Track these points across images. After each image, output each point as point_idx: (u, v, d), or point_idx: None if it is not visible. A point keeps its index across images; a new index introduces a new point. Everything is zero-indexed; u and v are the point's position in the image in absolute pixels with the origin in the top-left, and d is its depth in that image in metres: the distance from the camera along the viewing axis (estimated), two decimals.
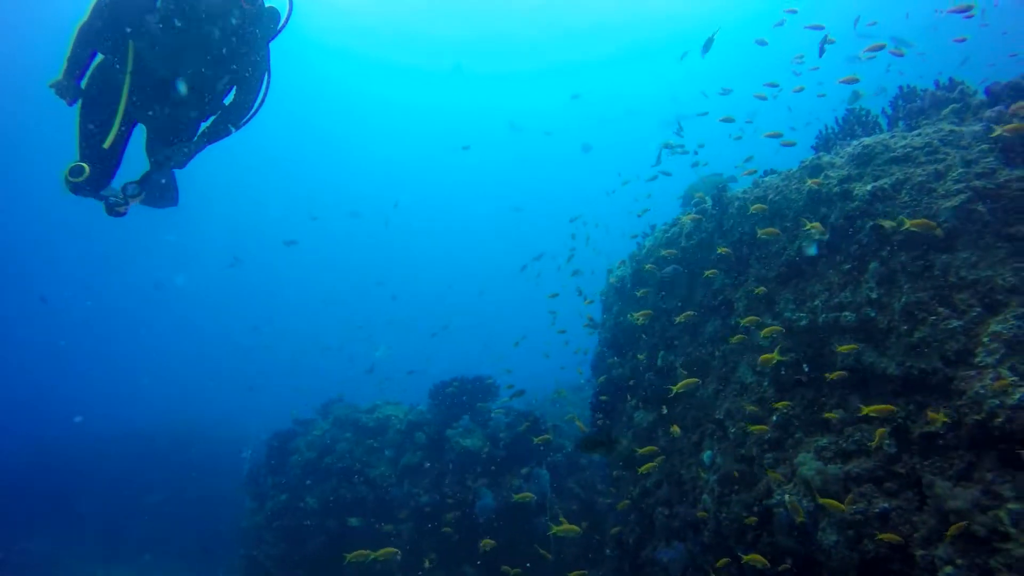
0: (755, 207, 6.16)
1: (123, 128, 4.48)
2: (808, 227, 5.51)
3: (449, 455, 10.73)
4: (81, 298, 44.21)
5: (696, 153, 9.08)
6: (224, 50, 4.41)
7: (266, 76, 4.77)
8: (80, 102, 4.51)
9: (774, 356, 5.28)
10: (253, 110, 4.85)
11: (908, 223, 4.78)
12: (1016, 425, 3.83)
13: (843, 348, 4.94)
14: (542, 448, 10.98)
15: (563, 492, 10.75)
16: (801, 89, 9.42)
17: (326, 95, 44.22)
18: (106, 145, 4.41)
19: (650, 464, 6.33)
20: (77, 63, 4.36)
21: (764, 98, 9.06)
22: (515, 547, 9.72)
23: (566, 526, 6.76)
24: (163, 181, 5.34)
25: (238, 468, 14.33)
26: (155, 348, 44.37)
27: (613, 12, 35.48)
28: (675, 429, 6.43)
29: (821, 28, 8.49)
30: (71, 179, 4.17)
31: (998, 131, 4.88)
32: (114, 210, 4.38)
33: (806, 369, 5.31)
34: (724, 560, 5.24)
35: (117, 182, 4.67)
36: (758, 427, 5.33)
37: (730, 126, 8.50)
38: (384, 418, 12.06)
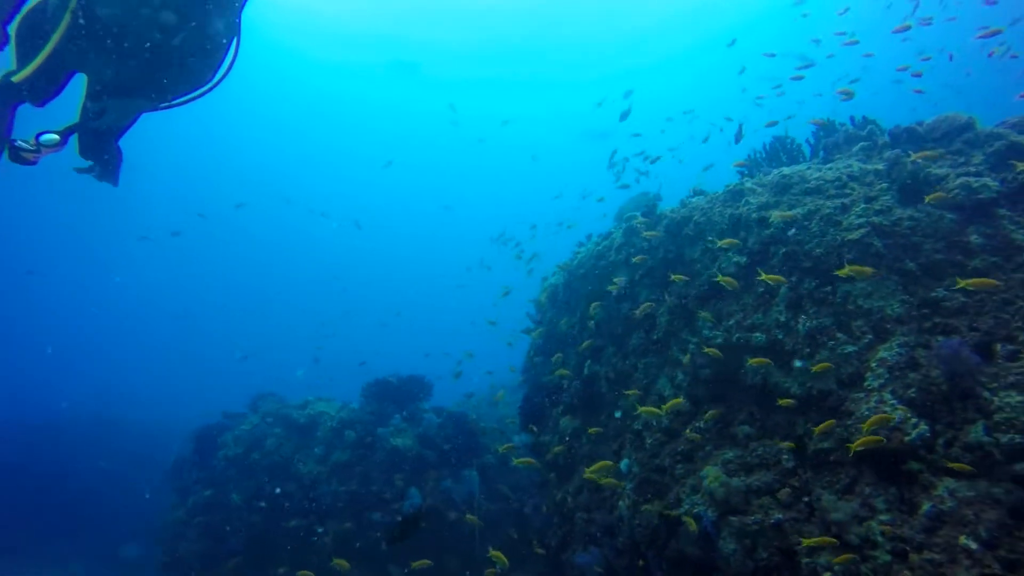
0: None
1: (47, 68, 3.99)
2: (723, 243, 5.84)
3: (379, 454, 10.72)
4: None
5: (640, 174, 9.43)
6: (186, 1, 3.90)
7: (233, 44, 4.23)
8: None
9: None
10: (211, 82, 4.32)
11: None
12: (893, 444, 4.20)
13: (754, 361, 5.25)
14: (474, 449, 11.12)
15: (493, 494, 10.90)
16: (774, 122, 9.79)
17: (279, 91, 42.97)
18: (15, 79, 3.97)
19: (558, 448, 6.51)
20: (4, 5, 3.92)
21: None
22: (442, 547, 9.82)
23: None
24: (105, 156, 4.89)
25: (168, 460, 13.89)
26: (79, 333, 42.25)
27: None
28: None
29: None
30: None
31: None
32: (19, 156, 3.91)
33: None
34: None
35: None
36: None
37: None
38: (316, 414, 11.91)
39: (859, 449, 4.20)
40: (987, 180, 5.07)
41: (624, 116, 8.07)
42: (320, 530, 10.13)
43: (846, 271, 4.82)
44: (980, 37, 7.92)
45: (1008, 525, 3.76)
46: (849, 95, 7.58)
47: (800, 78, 10.55)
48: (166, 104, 4.36)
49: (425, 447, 10.72)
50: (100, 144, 4.58)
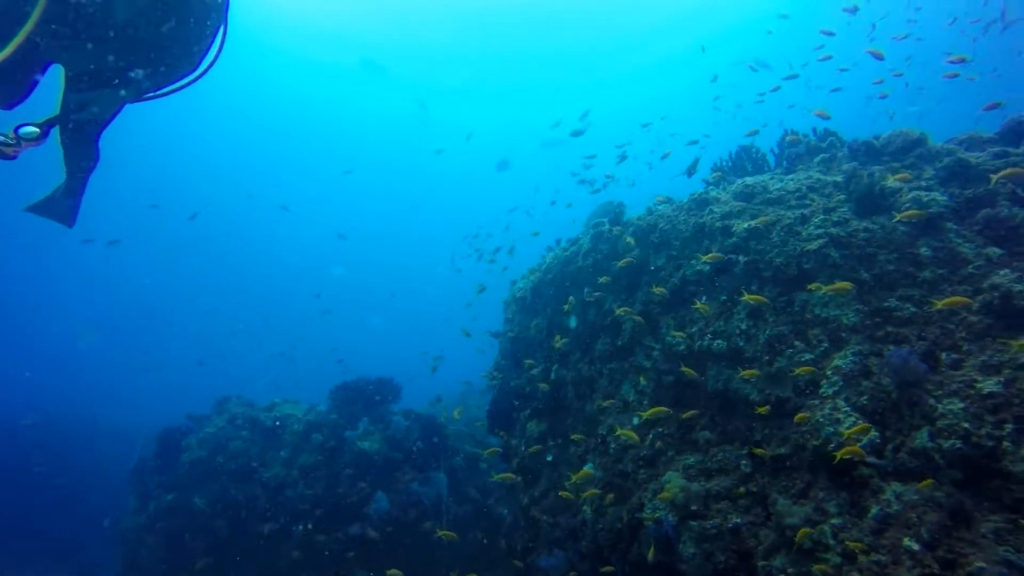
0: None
1: (19, 56, 3.75)
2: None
3: (346, 457, 10.66)
4: None
5: (607, 179, 9.55)
6: None
7: (220, 31, 4.05)
8: None
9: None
10: (198, 70, 4.15)
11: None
12: (846, 450, 4.34)
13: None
14: (442, 451, 11.13)
15: (461, 496, 10.92)
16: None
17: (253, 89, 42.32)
18: None
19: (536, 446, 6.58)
20: None
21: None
22: (409, 549, 9.81)
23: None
24: (84, 162, 4.69)
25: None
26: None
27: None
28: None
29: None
30: None
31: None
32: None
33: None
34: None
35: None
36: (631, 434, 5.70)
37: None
38: (283, 417, 11.79)
39: (814, 456, 4.34)
40: (936, 195, 5.27)
41: (577, 134, 8.19)
42: (288, 534, 10.02)
43: (825, 288, 4.93)
44: (949, 62, 8.12)
45: (948, 527, 3.93)
46: (825, 116, 7.84)
47: (777, 88, 10.85)
48: (152, 94, 4.18)
49: (393, 450, 10.70)
50: (81, 138, 4.38)
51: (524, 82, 42.65)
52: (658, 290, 6.22)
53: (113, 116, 4.27)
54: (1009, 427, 4.08)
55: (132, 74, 4.11)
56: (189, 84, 4.20)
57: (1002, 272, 4.68)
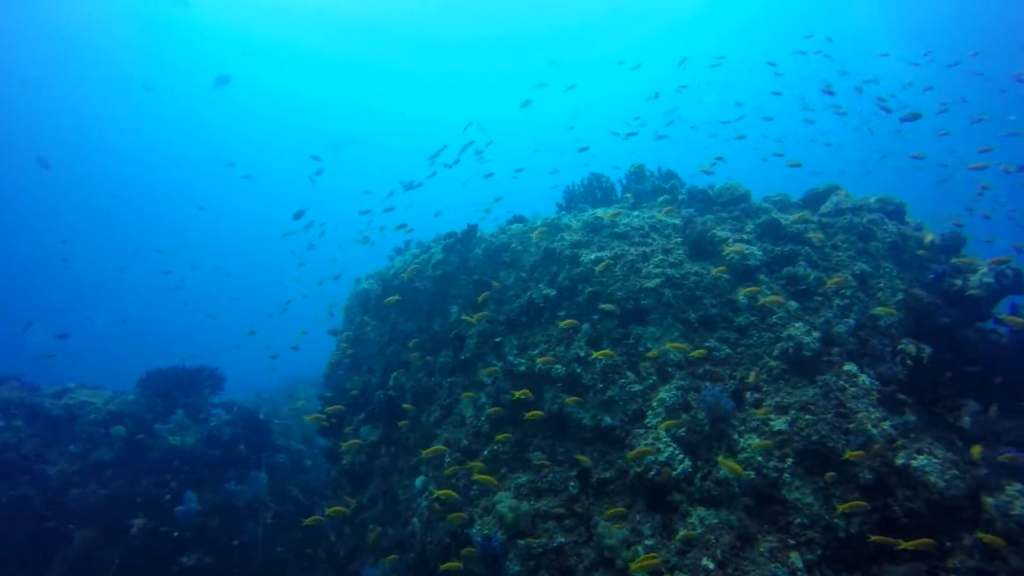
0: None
1: None
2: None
3: (155, 453, 9.57)
4: None
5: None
6: None
7: None
8: None
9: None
10: None
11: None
12: (662, 478, 4.77)
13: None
14: (265, 448, 10.44)
15: (282, 495, 10.32)
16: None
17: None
18: None
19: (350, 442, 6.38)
20: None
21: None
22: (222, 553, 9.06)
23: None
24: None
25: None
26: None
27: None
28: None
29: None
30: None
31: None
32: None
33: None
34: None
35: None
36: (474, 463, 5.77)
37: None
38: (76, 405, 10.25)
39: (635, 481, 4.71)
40: (755, 249, 5.98)
41: (464, 150, 8.14)
42: (68, 538, 8.74)
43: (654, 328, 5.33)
44: (902, 120, 9.06)
45: (737, 547, 4.48)
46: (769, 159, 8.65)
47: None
48: None
49: (210, 446, 9.80)
50: None
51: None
52: (504, 309, 6.36)
53: None
54: (790, 461, 4.76)
55: None
56: None
57: (797, 324, 5.44)
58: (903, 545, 4.17)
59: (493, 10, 38.19)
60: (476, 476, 5.51)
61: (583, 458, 5.24)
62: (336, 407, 7.96)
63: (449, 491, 5.52)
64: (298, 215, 9.04)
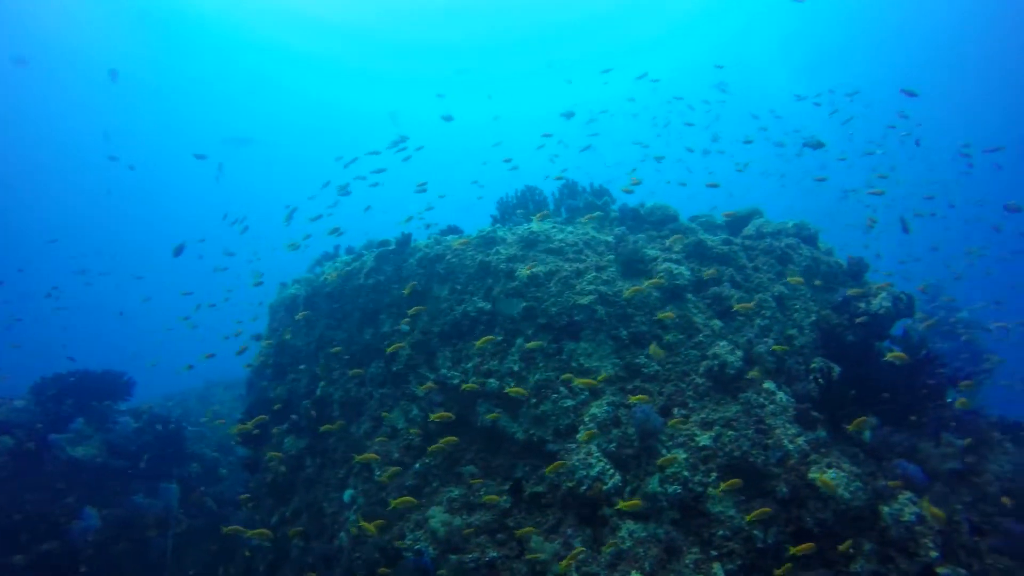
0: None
1: None
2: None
3: (50, 466, 8.80)
4: None
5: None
6: None
7: None
8: None
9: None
10: None
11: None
12: (593, 492, 4.88)
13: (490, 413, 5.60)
14: (177, 458, 9.85)
15: (197, 507, 9.75)
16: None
17: None
18: None
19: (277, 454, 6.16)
20: None
21: None
22: (125, 571, 8.44)
23: None
24: None
25: None
26: None
27: None
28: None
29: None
30: None
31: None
32: None
33: None
34: None
35: None
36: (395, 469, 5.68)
37: None
38: None
39: (567, 496, 4.79)
40: (683, 268, 6.23)
41: (397, 143, 7.98)
42: None
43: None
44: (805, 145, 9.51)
45: (663, 559, 4.64)
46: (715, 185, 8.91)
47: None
48: None
49: (115, 456, 9.12)
50: None
51: None
52: (438, 321, 6.31)
53: None
54: (714, 475, 4.98)
55: None
56: None
57: (721, 343, 5.71)
58: (792, 551, 4.46)
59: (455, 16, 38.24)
60: (393, 502, 5.40)
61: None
62: (260, 417, 7.62)
63: (370, 525, 5.37)
64: (178, 250, 8.57)
